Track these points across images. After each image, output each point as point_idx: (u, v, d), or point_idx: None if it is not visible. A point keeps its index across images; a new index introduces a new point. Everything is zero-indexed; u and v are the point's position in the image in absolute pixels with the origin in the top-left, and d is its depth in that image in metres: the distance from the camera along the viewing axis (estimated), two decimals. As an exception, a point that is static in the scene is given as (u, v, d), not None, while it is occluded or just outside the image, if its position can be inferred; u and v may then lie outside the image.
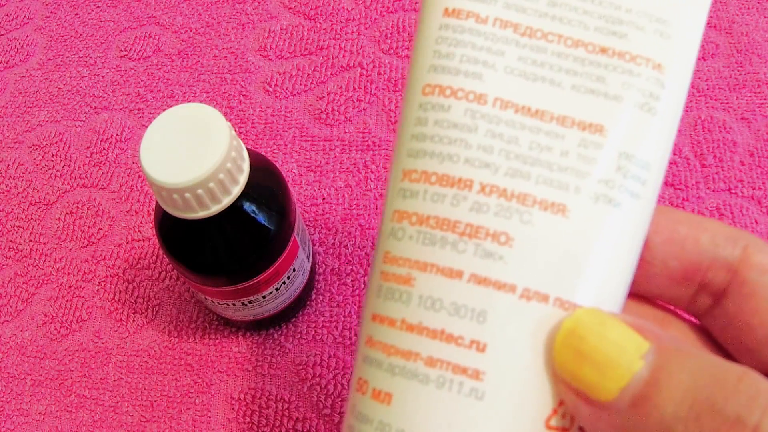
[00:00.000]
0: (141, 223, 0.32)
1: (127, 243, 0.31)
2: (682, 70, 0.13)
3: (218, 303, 0.26)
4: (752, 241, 0.14)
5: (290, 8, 0.36)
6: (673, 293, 0.14)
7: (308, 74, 0.34)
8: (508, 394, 0.12)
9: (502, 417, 0.12)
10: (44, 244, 0.32)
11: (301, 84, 0.34)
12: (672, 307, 0.15)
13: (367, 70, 0.34)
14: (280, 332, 0.29)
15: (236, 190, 0.21)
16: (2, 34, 0.39)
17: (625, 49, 0.13)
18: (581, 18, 0.13)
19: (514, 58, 0.13)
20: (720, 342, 0.14)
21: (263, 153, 0.32)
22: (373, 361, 0.13)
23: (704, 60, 0.32)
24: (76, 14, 0.39)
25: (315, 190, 0.31)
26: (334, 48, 0.35)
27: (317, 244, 0.30)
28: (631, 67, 0.13)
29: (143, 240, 0.31)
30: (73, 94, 0.36)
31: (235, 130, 0.33)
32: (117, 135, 0.34)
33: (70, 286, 0.31)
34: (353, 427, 0.13)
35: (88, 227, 0.32)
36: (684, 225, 0.14)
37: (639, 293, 0.15)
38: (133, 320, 0.30)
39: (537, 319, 0.12)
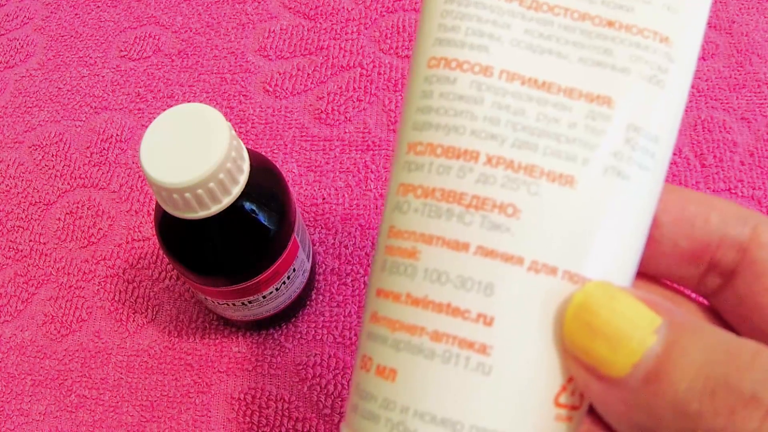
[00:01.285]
0: (141, 223, 0.32)
1: (127, 243, 0.31)
2: (690, 45, 0.13)
3: (218, 303, 0.26)
4: (762, 221, 0.13)
5: (290, 8, 0.36)
6: (682, 273, 0.14)
7: (308, 74, 0.34)
8: (516, 369, 0.12)
9: (510, 393, 0.12)
10: (44, 244, 0.32)
11: (301, 84, 0.34)
12: (680, 288, 0.15)
13: (367, 70, 0.34)
14: (280, 332, 0.29)
15: (236, 190, 0.21)
16: (2, 34, 0.39)
17: (632, 22, 0.13)
18: None
19: (520, 31, 0.13)
20: (729, 322, 0.14)
21: (263, 153, 0.32)
22: (377, 337, 0.13)
23: (704, 60, 0.32)
24: (76, 14, 0.39)
25: (315, 190, 0.31)
26: (334, 48, 0.35)
27: (317, 244, 0.30)
28: (638, 40, 0.13)
29: (143, 240, 0.31)
30: (73, 94, 0.36)
31: (235, 130, 0.33)
32: (117, 135, 0.34)
33: (70, 286, 0.31)
34: (357, 406, 0.13)
35: (88, 227, 0.32)
36: (694, 204, 0.14)
37: (647, 273, 0.15)
38: (133, 320, 0.30)
39: (545, 292, 0.12)
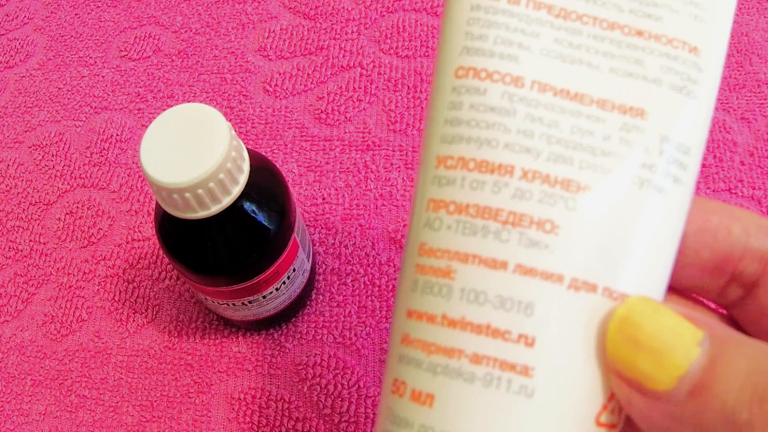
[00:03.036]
0: (141, 223, 0.32)
1: (127, 243, 0.31)
2: (717, 54, 0.13)
3: (218, 303, 0.26)
4: None
5: (290, 8, 0.36)
6: (703, 284, 0.14)
7: (308, 74, 0.34)
8: (559, 390, 0.12)
9: (553, 415, 0.12)
10: (44, 244, 0.32)
11: (301, 84, 0.34)
12: (700, 298, 0.15)
13: (367, 70, 0.34)
14: (280, 332, 0.29)
15: (236, 190, 0.21)
16: (2, 34, 0.39)
17: (661, 32, 0.13)
18: (615, 0, 0.13)
19: (549, 40, 0.13)
20: (749, 333, 0.14)
21: (263, 153, 0.32)
22: (411, 361, 0.12)
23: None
24: (76, 14, 0.39)
25: (315, 190, 0.31)
26: (334, 48, 0.35)
27: (317, 244, 0.30)
28: (668, 50, 0.13)
29: (143, 240, 0.31)
30: (73, 94, 0.36)
31: (235, 130, 0.33)
32: (117, 135, 0.34)
33: (70, 286, 0.31)
34: None
35: (88, 227, 0.32)
36: (716, 215, 0.14)
37: (669, 284, 0.15)
38: (133, 320, 0.30)
39: (586, 309, 0.12)
